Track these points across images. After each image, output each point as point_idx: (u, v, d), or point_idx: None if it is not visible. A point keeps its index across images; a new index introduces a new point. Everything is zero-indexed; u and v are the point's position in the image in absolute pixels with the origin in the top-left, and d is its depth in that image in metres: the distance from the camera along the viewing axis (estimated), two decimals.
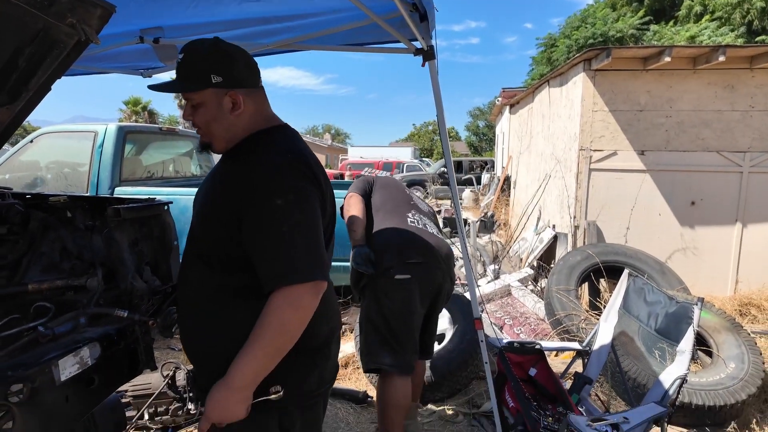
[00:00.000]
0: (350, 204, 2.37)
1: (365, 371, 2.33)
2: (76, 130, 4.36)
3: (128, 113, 27.24)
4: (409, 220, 2.32)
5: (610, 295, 2.73)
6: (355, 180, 2.60)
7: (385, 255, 2.16)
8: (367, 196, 2.44)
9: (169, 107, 48.77)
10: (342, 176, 16.93)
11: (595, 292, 4.13)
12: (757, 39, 13.47)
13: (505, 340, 2.44)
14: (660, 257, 4.29)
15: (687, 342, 2.01)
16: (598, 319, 3.05)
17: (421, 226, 2.32)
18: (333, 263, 3.98)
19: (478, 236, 6.66)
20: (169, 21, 2.42)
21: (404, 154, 29.81)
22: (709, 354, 3.15)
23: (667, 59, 4.07)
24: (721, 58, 4.02)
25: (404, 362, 2.16)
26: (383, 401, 2.17)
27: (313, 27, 2.49)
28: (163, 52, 2.76)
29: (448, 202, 12.49)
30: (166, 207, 1.88)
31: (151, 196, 2.04)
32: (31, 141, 4.32)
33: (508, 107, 10.69)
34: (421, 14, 1.97)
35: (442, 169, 16.78)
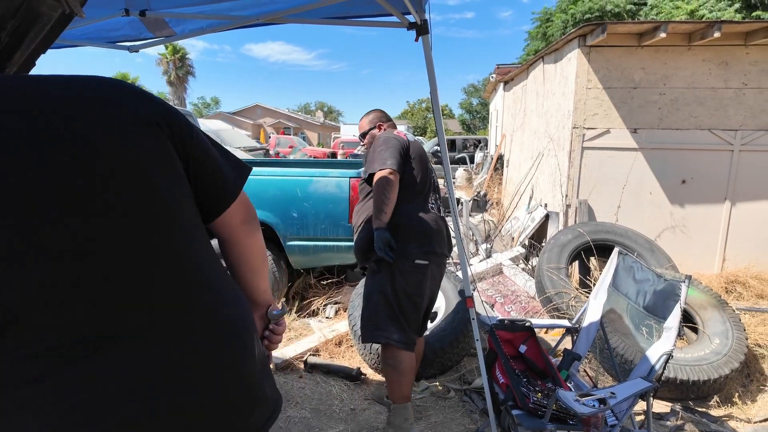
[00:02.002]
0: (393, 185, 2.17)
1: (367, 341, 2.32)
2: None
3: None
4: (430, 205, 2.38)
5: (600, 274, 2.77)
6: (389, 141, 2.30)
7: (408, 244, 2.24)
8: (401, 168, 2.27)
9: (157, 84, 47.87)
10: (335, 155, 16.80)
11: (585, 271, 4.19)
12: (753, 14, 13.36)
13: (496, 318, 2.47)
14: (650, 235, 4.34)
15: (674, 319, 2.06)
16: (587, 297, 3.10)
17: (441, 214, 2.43)
18: (327, 243, 3.95)
19: (470, 215, 6.69)
20: None
21: None
22: (695, 330, 3.23)
23: (663, 35, 4.03)
24: (717, 34, 3.99)
25: (410, 340, 2.28)
26: (397, 369, 2.27)
27: None
28: (152, 24, 2.68)
29: (441, 181, 12.47)
30: None
31: None
32: None
33: (502, 84, 10.59)
34: None
35: (436, 147, 16.70)
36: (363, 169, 2.66)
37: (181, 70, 29.98)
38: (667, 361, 2.01)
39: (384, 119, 2.62)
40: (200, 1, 2.47)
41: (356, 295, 3.23)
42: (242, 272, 1.00)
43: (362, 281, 2.89)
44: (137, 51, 3.04)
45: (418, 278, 2.25)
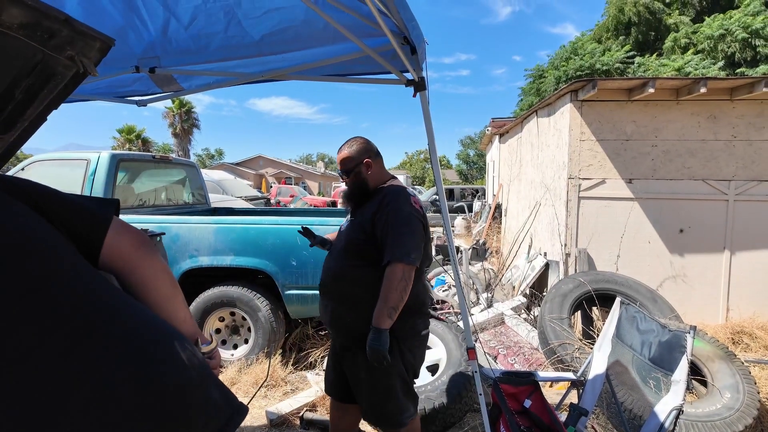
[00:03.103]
0: (411, 281, 1.91)
1: (394, 429, 2.08)
2: (69, 158, 4.35)
3: (122, 141, 27.35)
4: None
5: (603, 324, 2.73)
6: (412, 222, 1.94)
7: (417, 320, 2.06)
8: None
9: (163, 136, 48.99)
10: (335, 204, 16.96)
11: (587, 321, 4.12)
12: (737, 71, 13.97)
13: (499, 371, 2.41)
14: (651, 285, 4.31)
15: (681, 371, 2.01)
16: (591, 348, 3.03)
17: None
18: (309, 292, 3.76)
19: (470, 264, 6.66)
20: (170, 34, 2.43)
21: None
22: (704, 383, 3.13)
23: (651, 90, 4.20)
24: (703, 90, 4.16)
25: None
26: None
27: (307, 57, 2.55)
28: (160, 80, 2.80)
29: (440, 229, 12.52)
30: (158, 239, 1.87)
31: (144, 227, 2.03)
32: (23, 169, 4.30)
33: (497, 136, 10.88)
34: (412, 47, 2.03)
35: (434, 196, 16.89)
36: (361, 231, 2.02)
37: (186, 122, 30.80)
38: (677, 417, 1.94)
39: (373, 154, 2.09)
40: (207, 59, 2.59)
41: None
42: (153, 302, 0.96)
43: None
44: (145, 105, 3.16)
45: (423, 348, 2.18)
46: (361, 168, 2.06)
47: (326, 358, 2.40)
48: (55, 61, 1.18)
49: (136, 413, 0.75)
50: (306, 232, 2.29)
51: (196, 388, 0.85)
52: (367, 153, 2.08)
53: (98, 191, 3.99)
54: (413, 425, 2.13)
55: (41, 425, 0.68)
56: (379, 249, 1.94)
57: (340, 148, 2.11)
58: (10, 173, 4.30)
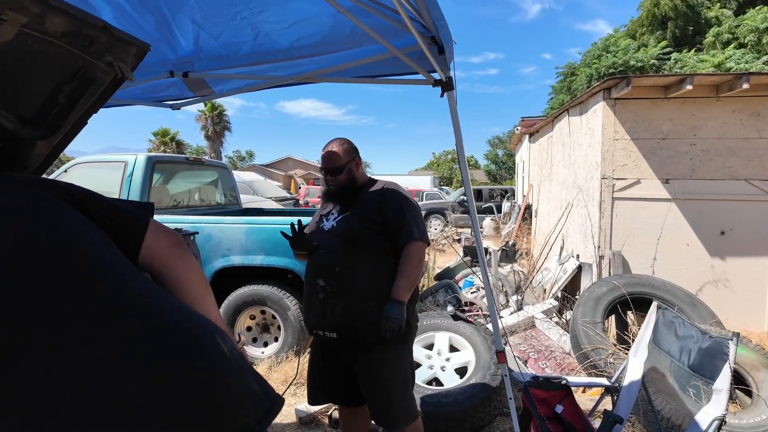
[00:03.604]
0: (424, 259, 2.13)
1: (408, 423, 2.05)
2: (108, 160, 4.53)
3: (157, 143, 28.28)
4: None
5: (639, 329, 2.64)
6: (415, 207, 2.14)
7: (415, 303, 2.14)
8: None
9: (196, 138, 50.45)
10: None
11: (622, 325, 3.99)
12: None
13: (529, 375, 2.36)
14: (690, 289, 4.14)
15: (723, 380, 1.92)
16: (626, 354, 2.94)
17: None
18: None
19: (499, 266, 6.56)
20: (200, 46, 2.50)
21: (424, 183, 29.94)
22: (749, 393, 2.99)
23: (689, 87, 4.03)
24: (745, 86, 3.97)
25: None
26: None
27: (335, 60, 2.56)
28: (193, 84, 2.87)
29: (469, 230, 12.41)
30: (192, 238, 1.92)
31: (178, 227, 2.09)
32: (66, 171, 4.50)
33: (527, 136, 10.69)
34: (440, 47, 2.02)
35: (462, 197, 16.74)
36: (372, 219, 2.05)
37: (218, 125, 31.58)
38: (720, 428, 1.86)
39: (358, 154, 2.19)
40: (238, 64, 2.64)
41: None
42: (186, 301, 0.98)
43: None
44: (179, 109, 3.24)
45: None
46: (352, 166, 2.13)
47: (308, 370, 2.20)
48: (95, 66, 1.22)
49: (185, 402, 0.78)
50: (299, 234, 2.08)
51: (238, 379, 0.88)
52: (356, 152, 2.17)
53: (135, 192, 4.13)
54: (419, 423, 2.14)
55: (97, 413, 0.72)
56: (388, 238, 2.02)
57: (328, 148, 2.13)
58: (54, 175, 4.50)
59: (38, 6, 1.03)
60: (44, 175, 1.51)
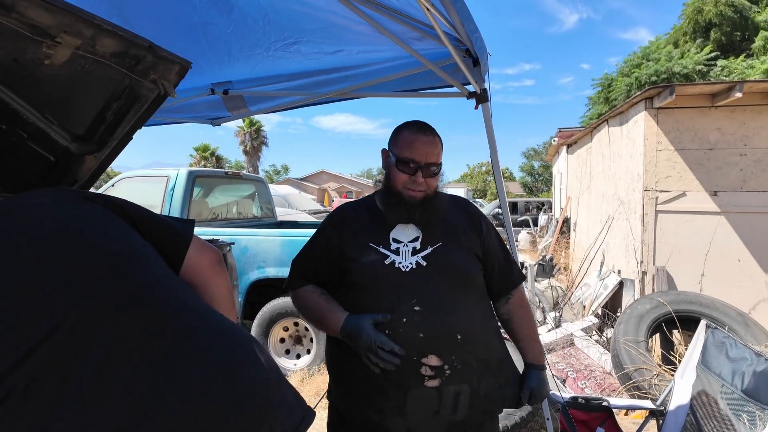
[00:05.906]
0: None
1: None
2: (152, 174, 4.73)
3: (198, 159, 29.42)
4: None
5: (685, 349, 2.50)
6: None
7: None
8: None
9: (235, 153, 52.10)
10: None
11: (667, 345, 3.80)
12: None
13: (568, 395, 2.27)
14: (742, 307, 3.90)
15: None
16: (672, 375, 2.79)
17: None
18: None
19: (536, 281, 6.40)
20: (237, 75, 2.61)
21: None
22: None
23: (739, 95, 3.85)
24: None
25: None
26: None
27: (370, 75, 2.60)
28: (231, 103, 2.97)
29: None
30: (228, 248, 1.97)
31: (215, 237, 2.15)
32: (113, 185, 4.73)
33: (565, 147, 10.46)
34: (474, 59, 2.01)
35: (497, 210, 16.49)
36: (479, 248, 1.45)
37: (256, 140, 32.54)
38: None
39: None
40: (276, 82, 2.72)
41: None
42: None
43: None
44: (219, 125, 3.36)
45: None
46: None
47: None
48: (141, 84, 1.29)
49: (227, 408, 0.81)
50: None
51: (275, 387, 0.90)
52: None
53: (176, 205, 4.29)
54: None
55: (151, 416, 0.75)
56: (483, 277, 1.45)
57: (426, 132, 1.38)
58: (102, 189, 4.74)
59: (91, 29, 1.10)
60: (92, 189, 1.59)
